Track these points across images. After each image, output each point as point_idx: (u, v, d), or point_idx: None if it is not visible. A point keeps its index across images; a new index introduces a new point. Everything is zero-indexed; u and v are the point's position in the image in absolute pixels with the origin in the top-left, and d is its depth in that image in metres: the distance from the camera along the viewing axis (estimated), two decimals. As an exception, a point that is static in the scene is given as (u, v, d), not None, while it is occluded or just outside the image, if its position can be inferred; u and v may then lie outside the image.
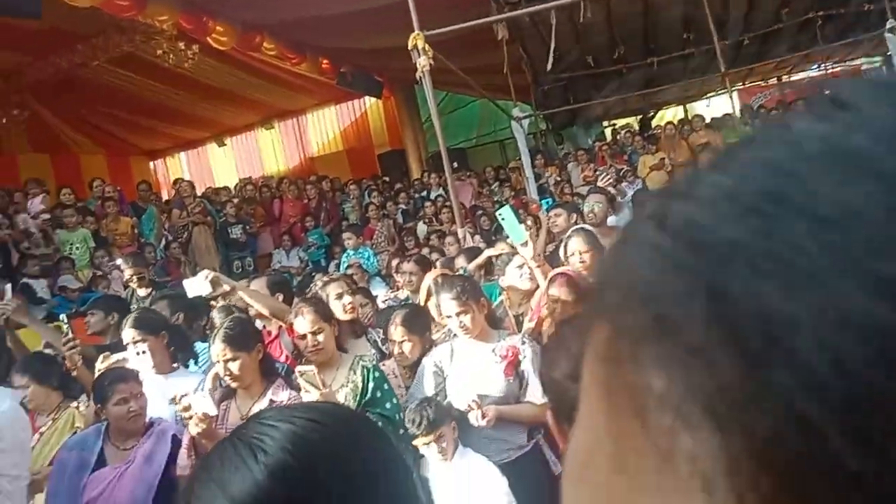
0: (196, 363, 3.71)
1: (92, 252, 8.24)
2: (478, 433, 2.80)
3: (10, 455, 2.49)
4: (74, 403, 3.60)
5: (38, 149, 11.44)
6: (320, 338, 3.04)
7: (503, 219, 3.44)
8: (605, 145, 11.48)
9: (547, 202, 8.17)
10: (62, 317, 4.15)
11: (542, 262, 3.63)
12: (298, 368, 2.90)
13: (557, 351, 1.81)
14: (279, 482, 0.71)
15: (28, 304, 6.55)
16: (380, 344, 3.61)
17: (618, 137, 12.00)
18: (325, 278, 4.10)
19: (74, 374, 3.58)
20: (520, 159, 9.76)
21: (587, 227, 4.30)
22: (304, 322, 3.06)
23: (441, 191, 10.65)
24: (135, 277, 5.03)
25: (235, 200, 10.11)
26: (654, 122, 14.59)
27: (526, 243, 3.46)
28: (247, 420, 0.81)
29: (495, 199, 10.42)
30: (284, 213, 10.54)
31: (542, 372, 2.72)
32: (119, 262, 7.91)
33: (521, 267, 3.66)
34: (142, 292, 4.88)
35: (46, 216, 8.44)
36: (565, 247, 3.81)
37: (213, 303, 4.14)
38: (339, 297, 3.55)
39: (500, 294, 3.93)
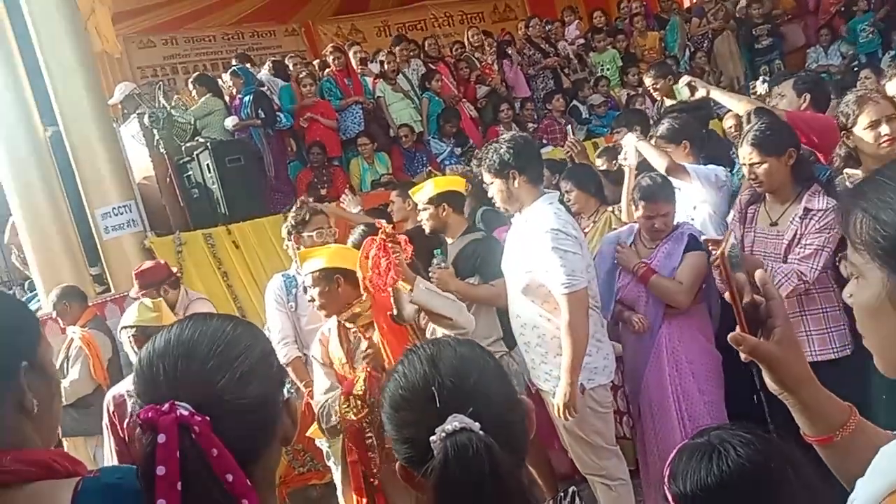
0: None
1: (620, 70, 8.68)
2: None
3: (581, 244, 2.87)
4: (611, 208, 3.98)
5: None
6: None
7: None
8: None
9: None
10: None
11: None
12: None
13: None
14: None
15: (575, 125, 7.42)
16: None
17: None
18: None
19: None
20: None
21: None
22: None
23: None
24: (652, 87, 5.06)
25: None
26: None
27: None
28: None
29: None
30: (823, 2, 9.07)
31: None
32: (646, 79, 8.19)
33: None
34: (669, 102, 4.89)
35: (581, 41, 9.17)
36: None
37: None
38: None
39: None
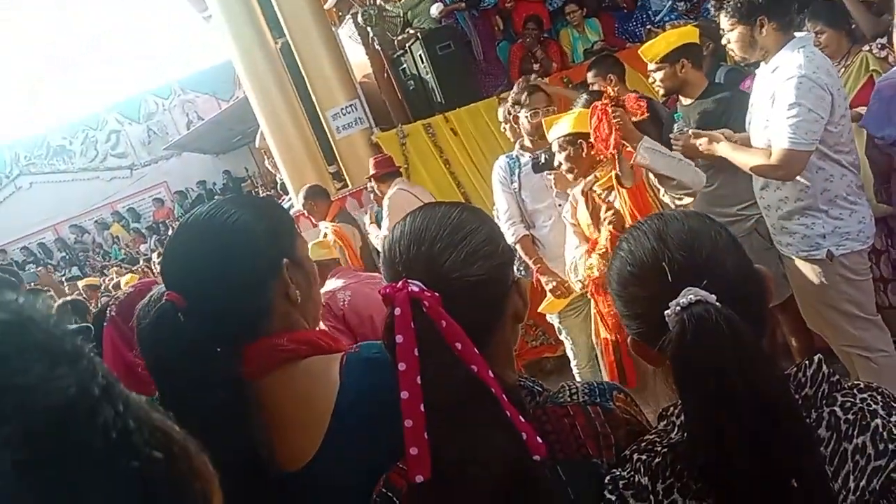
0: None
1: None
2: None
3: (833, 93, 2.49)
4: (867, 47, 3.41)
5: None
6: None
7: None
8: None
9: None
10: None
11: None
12: None
13: None
14: None
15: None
16: None
17: None
18: None
19: None
20: None
21: None
22: None
23: None
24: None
25: None
26: None
27: None
28: None
29: None
30: None
31: None
32: None
33: None
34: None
35: None
36: None
37: None
38: None
39: None
